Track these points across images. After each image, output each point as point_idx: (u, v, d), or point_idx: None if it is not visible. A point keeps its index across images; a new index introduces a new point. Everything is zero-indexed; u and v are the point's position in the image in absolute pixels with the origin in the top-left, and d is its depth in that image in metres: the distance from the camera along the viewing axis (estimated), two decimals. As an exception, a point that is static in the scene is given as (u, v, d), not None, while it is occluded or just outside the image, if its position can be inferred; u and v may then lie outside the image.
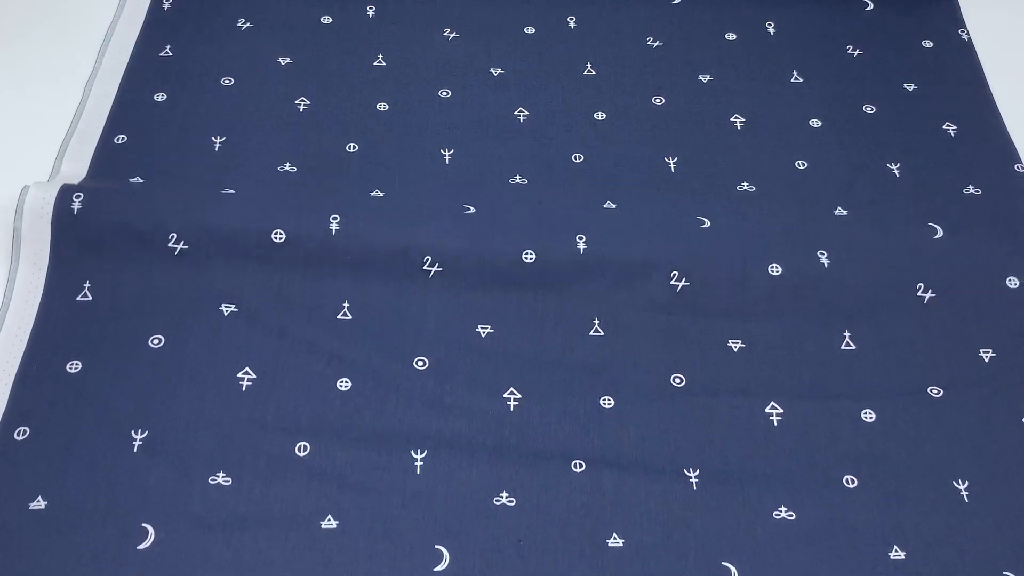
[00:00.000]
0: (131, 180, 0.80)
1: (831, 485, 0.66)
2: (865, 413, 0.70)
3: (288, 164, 0.83)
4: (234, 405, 0.68)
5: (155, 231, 0.75)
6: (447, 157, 0.85)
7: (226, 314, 0.73)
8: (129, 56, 0.91)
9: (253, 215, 0.76)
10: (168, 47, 0.92)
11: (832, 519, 0.65)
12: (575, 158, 0.85)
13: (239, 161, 0.83)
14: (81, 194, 0.75)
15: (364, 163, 0.83)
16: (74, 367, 0.70)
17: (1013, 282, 0.76)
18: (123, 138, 0.84)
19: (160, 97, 0.88)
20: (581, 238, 0.76)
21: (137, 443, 0.66)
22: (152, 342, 0.71)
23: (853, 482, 0.66)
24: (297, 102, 0.88)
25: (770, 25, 0.96)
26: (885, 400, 0.70)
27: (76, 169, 0.82)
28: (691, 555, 0.63)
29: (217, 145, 0.84)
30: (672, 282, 0.75)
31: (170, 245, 0.75)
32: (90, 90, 0.88)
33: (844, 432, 0.69)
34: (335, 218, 0.76)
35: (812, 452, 0.68)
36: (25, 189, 0.77)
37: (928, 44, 0.95)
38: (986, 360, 0.73)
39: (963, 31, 0.96)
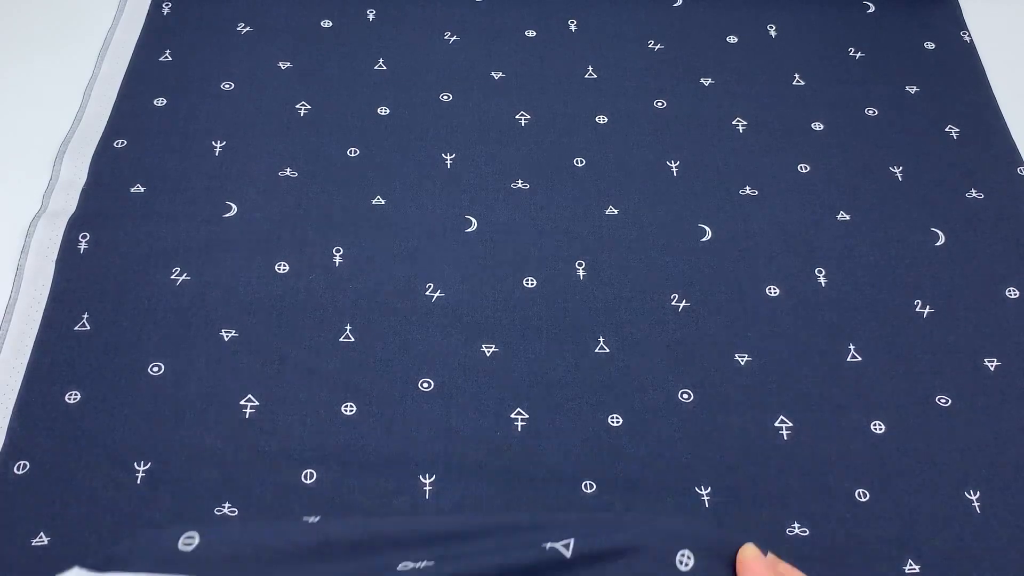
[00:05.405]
0: (131, 189, 0.79)
1: (843, 500, 0.66)
2: (875, 424, 0.69)
3: (289, 169, 0.82)
4: (237, 433, 0.67)
5: (158, 268, 0.75)
6: (448, 161, 0.83)
7: (226, 339, 0.71)
8: (128, 60, 0.90)
9: (257, 249, 0.76)
10: (168, 51, 0.91)
11: (846, 535, 0.64)
12: (577, 162, 0.84)
13: (239, 166, 0.82)
14: (88, 234, 0.75)
15: (365, 167, 0.82)
16: (73, 397, 0.68)
17: (1013, 293, 0.76)
18: (123, 142, 0.83)
19: (160, 102, 0.86)
20: (580, 264, 0.77)
21: (140, 475, 0.65)
22: (152, 370, 0.70)
23: (865, 496, 0.66)
24: (298, 106, 0.87)
25: (771, 28, 0.95)
26: (894, 411, 0.70)
27: (75, 173, 0.80)
28: (706, 577, 0.63)
29: (217, 150, 0.83)
30: (673, 303, 0.75)
31: (172, 277, 0.75)
32: (89, 94, 0.87)
33: (854, 445, 0.68)
34: (338, 250, 0.76)
35: (823, 466, 0.67)
36: (33, 224, 0.76)
37: (930, 46, 0.94)
38: (992, 369, 0.72)
39: (965, 33, 0.95)
